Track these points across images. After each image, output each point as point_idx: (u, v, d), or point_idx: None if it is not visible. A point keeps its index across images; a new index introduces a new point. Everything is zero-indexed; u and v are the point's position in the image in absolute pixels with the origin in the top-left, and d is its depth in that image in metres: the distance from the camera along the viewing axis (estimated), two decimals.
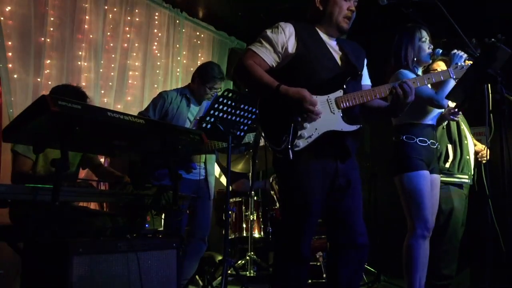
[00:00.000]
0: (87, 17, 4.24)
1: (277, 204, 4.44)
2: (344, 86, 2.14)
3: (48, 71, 3.93)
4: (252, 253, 4.24)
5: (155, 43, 4.96)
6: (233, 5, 5.16)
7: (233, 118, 3.14)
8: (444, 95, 2.78)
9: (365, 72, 2.38)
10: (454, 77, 2.46)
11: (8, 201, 2.00)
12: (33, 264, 1.93)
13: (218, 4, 5.23)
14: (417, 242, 2.84)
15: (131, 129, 2.14)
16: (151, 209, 2.39)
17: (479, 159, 3.58)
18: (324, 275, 3.84)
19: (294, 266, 2.14)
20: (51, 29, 3.97)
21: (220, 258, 4.31)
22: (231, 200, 4.46)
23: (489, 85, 2.19)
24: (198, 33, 5.50)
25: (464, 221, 3.54)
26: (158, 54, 4.98)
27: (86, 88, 3.26)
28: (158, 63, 4.98)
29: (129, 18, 4.64)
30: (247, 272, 4.20)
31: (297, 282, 2.15)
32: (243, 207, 4.45)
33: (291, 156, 2.03)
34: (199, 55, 5.50)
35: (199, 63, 4.02)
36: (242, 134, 3.28)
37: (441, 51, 2.94)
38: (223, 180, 5.41)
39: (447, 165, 3.44)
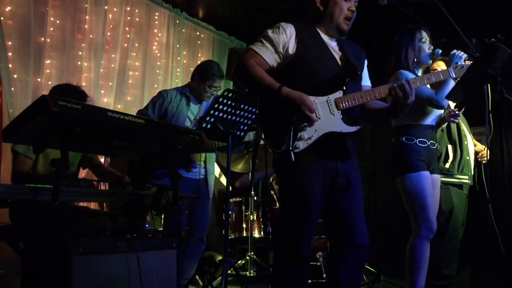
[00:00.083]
0: (87, 17, 4.24)
1: (277, 204, 4.44)
2: (344, 87, 2.14)
3: (48, 71, 3.93)
4: (252, 253, 4.24)
5: (155, 43, 4.96)
6: (233, 5, 5.16)
7: (233, 118, 3.14)
8: (444, 95, 2.78)
9: (365, 73, 2.38)
10: (454, 76, 2.46)
11: (8, 201, 2.00)
12: (33, 264, 1.93)
13: (218, 4, 5.23)
14: (422, 243, 2.84)
15: (131, 129, 2.14)
16: (151, 209, 2.39)
17: (479, 159, 3.57)
18: (324, 275, 3.84)
19: (294, 266, 2.15)
20: (51, 29, 3.97)
21: (220, 258, 4.31)
22: (231, 200, 4.46)
23: (489, 85, 2.19)
24: (198, 33, 5.50)
25: (464, 221, 3.54)
26: (158, 54, 4.98)
27: (86, 88, 3.26)
28: (158, 63, 4.98)
29: (129, 18, 4.64)
30: (247, 272, 4.20)
31: (297, 282, 2.15)
32: (243, 207, 4.45)
33: (292, 158, 2.03)
34: (199, 55, 5.50)
35: (199, 63, 4.01)
36: (242, 134, 3.28)
37: (440, 51, 2.94)
38: (223, 180, 5.41)
39: (447, 165, 3.44)
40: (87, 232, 2.14)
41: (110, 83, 4.44)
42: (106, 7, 4.39)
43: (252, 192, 4.40)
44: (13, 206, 2.50)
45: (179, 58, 5.17)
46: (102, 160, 3.80)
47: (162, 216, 3.11)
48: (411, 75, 2.89)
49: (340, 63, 2.23)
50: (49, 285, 1.86)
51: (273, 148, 2.08)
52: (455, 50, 2.80)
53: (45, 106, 1.81)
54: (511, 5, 4.34)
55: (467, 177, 3.49)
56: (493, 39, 2.12)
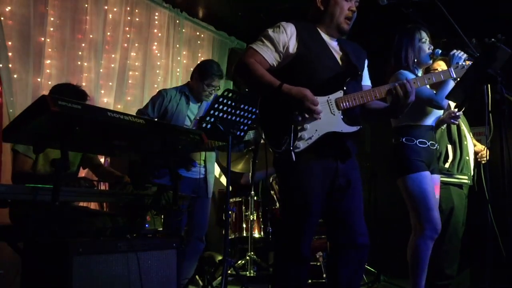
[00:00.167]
0: (87, 17, 4.24)
1: (277, 204, 4.44)
2: (344, 87, 2.14)
3: (48, 71, 3.93)
4: (252, 253, 4.24)
5: (155, 43, 4.96)
6: (233, 5, 5.16)
7: (233, 118, 3.14)
8: (444, 96, 2.78)
9: (365, 73, 2.38)
10: (455, 76, 2.46)
11: (8, 201, 2.00)
12: (33, 264, 1.93)
13: (218, 4, 5.23)
14: (426, 243, 2.85)
15: (131, 129, 2.14)
16: (151, 209, 2.39)
17: (479, 160, 3.58)
18: (324, 275, 3.84)
19: (294, 266, 2.15)
20: (51, 29, 3.97)
21: (220, 258, 4.31)
22: (231, 200, 4.46)
23: (489, 85, 2.19)
24: (198, 33, 5.50)
25: (464, 221, 3.54)
26: (158, 54, 4.98)
27: (86, 88, 3.25)
28: (158, 63, 4.98)
29: (129, 18, 4.64)
30: (247, 272, 4.20)
31: (297, 282, 2.15)
32: (243, 207, 4.45)
33: (293, 157, 2.03)
34: (199, 55, 5.50)
35: (198, 63, 4.01)
36: (242, 134, 3.28)
37: (440, 51, 2.94)
38: (223, 179, 5.41)
39: (447, 165, 3.44)
40: (87, 232, 2.14)
41: (110, 83, 4.44)
42: (106, 7, 4.39)
43: (252, 192, 4.40)
44: (13, 206, 2.50)
45: (179, 58, 5.17)
46: (102, 160, 3.80)
47: (162, 216, 3.11)
48: (411, 75, 2.89)
49: (340, 63, 2.23)
50: (49, 285, 1.86)
51: (273, 147, 2.09)
52: (455, 50, 2.81)
53: (45, 106, 1.81)
54: (511, 5, 4.34)
55: (466, 177, 3.49)
56: (493, 39, 2.12)
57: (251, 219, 4.34)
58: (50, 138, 2.05)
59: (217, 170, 5.16)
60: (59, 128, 1.95)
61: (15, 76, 3.67)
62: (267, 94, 2.13)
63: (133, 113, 3.54)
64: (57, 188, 1.91)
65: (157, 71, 4.95)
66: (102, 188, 2.76)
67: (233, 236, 4.40)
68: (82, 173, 3.45)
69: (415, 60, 2.99)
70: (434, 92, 2.90)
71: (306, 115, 2.06)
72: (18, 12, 3.72)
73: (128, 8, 4.62)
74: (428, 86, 2.88)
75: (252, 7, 5.10)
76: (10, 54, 3.64)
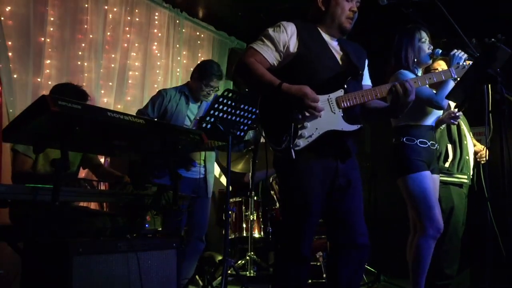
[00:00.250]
0: (87, 17, 4.24)
1: (277, 204, 4.44)
2: (345, 86, 2.14)
3: (48, 71, 3.93)
4: (252, 253, 4.24)
5: (155, 43, 4.96)
6: (233, 5, 5.16)
7: (233, 118, 3.14)
8: (444, 96, 2.78)
9: (366, 73, 2.38)
10: (456, 76, 2.46)
11: (8, 201, 2.00)
12: (33, 264, 1.93)
13: (218, 4, 5.23)
14: (428, 242, 2.85)
15: (131, 129, 2.14)
16: (151, 209, 2.39)
17: (478, 160, 3.58)
18: (324, 275, 3.84)
19: (294, 266, 2.15)
20: (51, 29, 3.97)
21: (220, 258, 4.31)
22: (231, 200, 4.46)
23: (489, 85, 2.19)
24: (198, 33, 5.50)
25: (464, 220, 3.54)
26: (158, 54, 4.98)
27: (86, 88, 3.24)
28: (158, 63, 4.98)
29: (129, 18, 4.64)
30: (247, 272, 4.20)
31: (297, 282, 2.15)
32: (243, 207, 4.45)
33: (293, 155, 2.03)
34: (199, 55, 5.50)
35: (198, 63, 4.01)
36: (242, 134, 3.28)
37: (440, 51, 2.94)
38: (223, 179, 5.41)
39: (447, 164, 3.44)
40: (87, 232, 2.14)
41: (110, 83, 4.44)
42: (106, 7, 4.39)
43: (252, 192, 4.40)
44: (13, 206, 2.50)
45: (179, 58, 5.17)
46: (102, 160, 3.80)
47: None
48: (411, 75, 2.89)
49: (341, 63, 2.24)
50: (49, 285, 1.86)
51: (273, 146, 2.08)
52: (455, 50, 2.81)
53: (45, 106, 1.81)
54: (511, 5, 4.34)
55: (466, 177, 3.49)
56: (493, 39, 2.12)
57: (251, 219, 4.34)
58: (50, 138, 2.05)
59: (217, 170, 5.16)
60: (59, 128, 1.95)
61: (15, 76, 3.66)
62: (267, 93, 2.13)
63: (133, 113, 3.54)
64: (57, 188, 1.91)
65: (157, 71, 4.95)
66: (102, 188, 2.76)
67: (233, 236, 4.40)
68: (82, 173, 3.45)
69: (415, 60, 2.99)
70: (434, 92, 2.90)
71: (307, 113, 2.06)
72: (18, 12, 3.72)
73: (128, 8, 4.62)
74: (428, 86, 2.88)
75: (252, 7, 5.10)
76: (10, 54, 3.64)
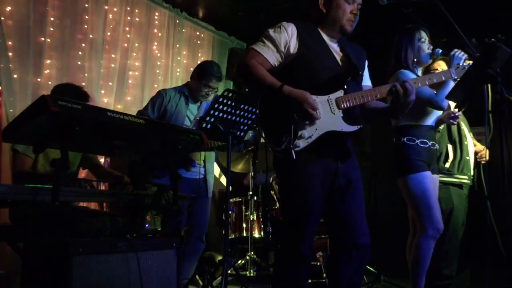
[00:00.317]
0: (87, 17, 4.24)
1: (277, 204, 4.44)
2: (345, 86, 2.14)
3: (48, 71, 3.93)
4: (252, 253, 4.24)
5: (155, 43, 4.96)
6: (233, 5, 5.16)
7: (233, 118, 3.14)
8: (444, 96, 2.78)
9: (366, 73, 2.38)
10: (456, 77, 2.46)
11: (8, 201, 2.00)
12: (33, 264, 1.93)
13: (218, 4, 5.23)
14: (428, 243, 2.85)
15: (131, 129, 2.14)
16: (151, 209, 2.39)
17: (478, 160, 3.58)
18: (324, 275, 3.84)
19: (294, 266, 2.15)
20: (51, 29, 3.97)
21: (220, 258, 4.31)
22: (231, 200, 4.46)
23: (489, 85, 2.19)
24: (198, 33, 5.50)
25: (464, 221, 3.54)
26: (158, 54, 4.98)
27: (86, 88, 3.25)
28: (158, 63, 4.98)
29: (129, 18, 4.64)
30: (247, 272, 4.20)
31: (297, 282, 2.15)
32: (243, 207, 4.45)
33: (293, 156, 2.03)
34: (199, 55, 5.50)
35: (199, 63, 4.02)
36: (242, 134, 3.28)
37: (440, 51, 2.94)
38: (223, 180, 5.42)
39: (447, 165, 3.44)
40: (87, 232, 2.14)
41: (110, 83, 4.44)
42: (106, 7, 4.39)
43: (252, 192, 4.41)
44: (13, 206, 2.50)
45: (179, 58, 5.17)
46: (102, 160, 3.80)
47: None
48: (411, 75, 2.89)
49: (341, 63, 2.24)
50: (49, 285, 1.86)
51: (273, 146, 2.09)
52: (455, 50, 2.80)
53: (45, 106, 1.81)
54: (511, 5, 4.34)
55: (466, 177, 3.49)
56: (493, 39, 2.12)
57: (251, 219, 4.34)
58: (50, 138, 2.05)
59: (217, 170, 5.16)
60: (59, 128, 1.95)
61: (15, 76, 3.66)
62: (268, 95, 2.13)
63: (133, 113, 3.54)
64: (57, 188, 1.91)
65: (157, 71, 4.95)
66: (102, 188, 2.76)
67: (233, 236, 4.40)
68: (82, 173, 3.45)
69: (415, 59, 2.99)
70: (435, 92, 2.90)
71: (305, 119, 2.06)
72: (18, 12, 3.72)
73: (128, 8, 4.62)
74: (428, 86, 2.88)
75: (252, 7, 5.10)
76: (10, 54, 3.64)
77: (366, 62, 2.40)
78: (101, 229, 2.25)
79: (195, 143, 2.46)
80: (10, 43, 3.65)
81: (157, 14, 4.96)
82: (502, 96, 2.03)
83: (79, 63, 4.17)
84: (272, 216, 4.40)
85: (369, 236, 2.19)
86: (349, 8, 2.22)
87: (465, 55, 2.75)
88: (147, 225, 2.35)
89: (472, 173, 3.53)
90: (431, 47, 2.99)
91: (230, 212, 4.41)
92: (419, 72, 3.05)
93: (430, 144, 2.94)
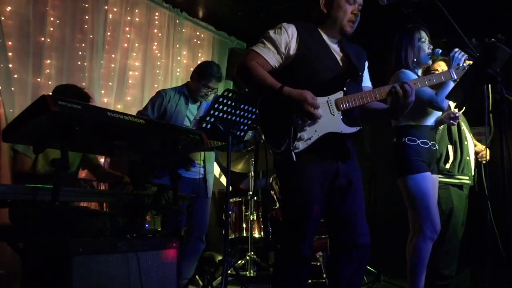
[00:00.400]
0: (87, 17, 4.24)
1: (277, 204, 4.44)
2: (345, 88, 2.14)
3: (48, 71, 3.93)
4: (252, 253, 4.24)
5: (155, 43, 4.96)
6: (233, 5, 5.16)
7: (233, 118, 3.14)
8: (444, 97, 2.78)
9: (366, 74, 2.38)
10: (456, 78, 2.46)
11: (8, 201, 2.00)
12: (33, 264, 1.93)
13: (218, 4, 5.23)
14: (425, 243, 2.85)
15: (131, 129, 2.14)
16: (151, 209, 2.39)
17: (479, 160, 3.57)
18: (324, 275, 3.84)
19: (294, 266, 2.15)
20: (51, 29, 3.97)
21: (220, 258, 4.31)
22: (231, 200, 4.46)
23: (489, 85, 2.19)
24: (198, 33, 5.50)
25: (464, 221, 3.54)
26: (158, 54, 4.98)
27: (86, 88, 3.25)
28: (158, 63, 4.98)
29: (129, 18, 4.64)
30: (247, 272, 4.20)
31: (297, 282, 2.15)
32: (243, 207, 4.45)
33: (294, 158, 2.03)
34: (199, 55, 5.50)
35: (199, 63, 4.02)
36: (242, 134, 3.28)
37: (440, 51, 2.94)
38: (223, 180, 5.42)
39: (447, 166, 3.44)
40: (87, 232, 2.14)
41: (110, 83, 4.44)
42: (106, 7, 4.39)
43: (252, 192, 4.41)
44: (13, 206, 2.50)
45: (179, 58, 5.17)
46: (102, 160, 3.80)
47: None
48: (412, 75, 2.89)
49: (341, 64, 2.24)
50: (49, 285, 1.86)
51: (273, 148, 2.09)
52: (454, 51, 2.79)
53: (45, 106, 1.81)
54: (511, 5, 4.34)
55: (467, 178, 3.49)
56: (493, 39, 2.11)
57: (251, 219, 4.34)
58: (50, 138, 2.05)
59: (217, 170, 5.16)
60: (59, 128, 1.95)
61: (15, 76, 3.67)
62: (268, 95, 2.13)
63: (133, 113, 3.54)
64: (57, 188, 1.91)
65: (157, 71, 4.95)
66: (102, 188, 2.76)
67: (233, 236, 4.40)
68: (82, 173, 3.45)
69: (415, 59, 2.99)
70: (435, 93, 2.90)
71: (306, 119, 2.06)
72: (18, 12, 3.72)
73: (128, 8, 4.62)
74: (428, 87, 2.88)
75: (252, 7, 5.10)
76: (10, 54, 3.64)
77: (366, 63, 2.39)
78: (101, 229, 2.25)
79: (195, 143, 2.46)
80: (10, 43, 3.65)
81: (157, 14, 4.96)
82: (502, 96, 2.03)
83: (79, 63, 4.17)
84: (272, 216, 4.41)
85: (369, 236, 2.19)
86: (350, 9, 2.22)
87: (465, 56, 2.74)
88: (147, 225, 2.35)
89: (472, 173, 3.52)
90: (431, 47, 2.99)
91: (230, 212, 4.41)
92: (419, 72, 3.05)
93: (430, 144, 2.94)
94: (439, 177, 3.18)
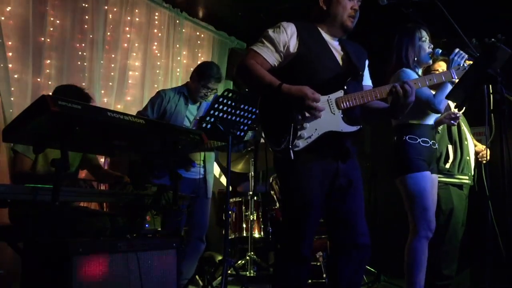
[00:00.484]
0: (87, 17, 4.24)
1: (277, 204, 4.44)
2: (345, 87, 2.14)
3: (48, 71, 3.93)
4: (252, 253, 4.24)
5: (155, 43, 4.96)
6: (233, 5, 5.16)
7: (233, 118, 3.14)
8: (441, 99, 2.80)
9: (366, 73, 2.38)
10: (456, 78, 2.46)
11: (8, 201, 2.00)
12: (33, 264, 1.93)
13: (218, 4, 5.23)
14: (421, 243, 2.84)
15: (131, 129, 2.14)
16: (151, 209, 2.39)
17: (479, 160, 3.57)
18: (324, 275, 3.84)
19: (294, 266, 2.15)
20: (51, 29, 3.97)
21: (220, 258, 4.32)
22: (231, 200, 4.46)
23: (489, 85, 2.19)
24: (198, 33, 5.50)
25: (464, 221, 3.54)
26: (158, 54, 4.98)
27: (86, 88, 3.25)
28: (158, 63, 4.98)
29: (129, 18, 4.64)
30: (247, 272, 4.20)
31: (297, 282, 2.15)
32: (243, 207, 4.45)
33: (292, 156, 2.03)
34: (199, 55, 5.50)
35: (199, 63, 4.01)
36: (242, 134, 3.28)
37: (440, 51, 2.94)
38: (223, 180, 5.42)
39: (447, 165, 3.43)
40: (87, 232, 2.14)
41: (110, 83, 4.44)
42: (106, 7, 4.39)
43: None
44: (13, 206, 2.50)
45: (179, 58, 5.16)
46: (102, 160, 3.80)
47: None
48: (413, 74, 2.89)
49: (341, 63, 2.24)
50: (49, 285, 1.86)
51: (273, 146, 2.09)
52: (454, 53, 2.78)
53: (45, 106, 1.81)
54: (511, 5, 4.34)
55: (467, 178, 3.48)
56: (493, 39, 2.12)
57: (251, 219, 4.34)
58: (50, 138, 2.05)
59: (217, 170, 5.16)
60: (59, 128, 1.95)
61: (15, 76, 3.67)
62: (268, 94, 2.13)
63: (133, 113, 3.54)
64: (57, 188, 1.91)
65: (157, 71, 4.95)
66: (102, 188, 2.76)
67: (233, 236, 4.40)
68: (82, 173, 3.45)
69: (416, 58, 2.98)
70: (433, 94, 2.89)
71: (307, 114, 2.06)
72: (18, 12, 3.72)
73: (128, 8, 4.62)
74: (428, 88, 2.88)
75: (252, 7, 5.10)
76: (10, 54, 3.64)
77: (367, 62, 2.39)
78: (101, 229, 2.25)
79: (195, 143, 2.46)
80: (10, 43, 3.65)
81: (157, 14, 4.96)
82: (502, 96, 2.03)
83: (79, 63, 4.17)
84: (272, 216, 4.40)
85: (369, 236, 2.19)
86: (350, 4, 2.23)
87: (465, 57, 2.74)
88: (147, 225, 2.35)
89: (472, 173, 3.52)
90: (432, 46, 2.99)
91: (230, 212, 4.41)
92: (420, 72, 3.05)
93: (431, 143, 2.94)
94: (439, 177, 3.18)
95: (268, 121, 2.14)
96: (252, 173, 4.52)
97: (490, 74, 2.05)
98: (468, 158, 3.49)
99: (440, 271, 3.37)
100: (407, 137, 2.92)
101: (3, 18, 3.61)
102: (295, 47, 2.17)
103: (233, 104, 3.07)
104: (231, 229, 4.40)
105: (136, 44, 4.74)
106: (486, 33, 2.21)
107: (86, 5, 4.24)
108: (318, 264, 3.94)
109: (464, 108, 3.28)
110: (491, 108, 2.10)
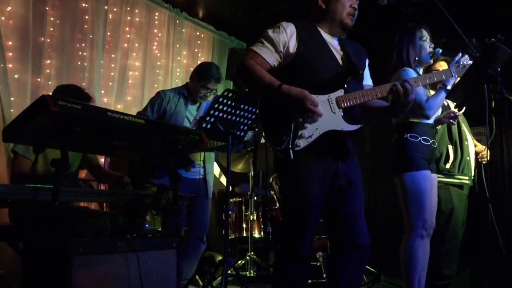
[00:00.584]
0: (87, 17, 4.24)
1: (277, 204, 4.44)
2: (345, 86, 2.14)
3: (48, 71, 3.93)
4: (252, 253, 4.24)
5: (155, 43, 4.96)
6: (233, 5, 5.16)
7: (233, 118, 3.14)
8: (432, 105, 2.81)
9: (366, 72, 2.38)
10: (456, 75, 2.46)
11: (8, 201, 2.00)
12: (33, 264, 1.93)
13: (218, 4, 5.23)
14: (416, 242, 2.83)
15: (131, 129, 2.14)
16: (151, 209, 2.39)
17: (480, 160, 3.57)
18: (324, 275, 3.84)
19: (294, 266, 2.15)
20: (51, 29, 3.97)
21: (220, 258, 4.31)
22: (231, 200, 4.46)
23: (489, 85, 2.19)
24: (198, 33, 5.50)
25: (464, 221, 3.53)
26: (158, 54, 4.98)
27: (86, 88, 3.26)
28: (158, 63, 4.98)
29: (129, 18, 4.64)
30: (247, 272, 4.20)
31: (297, 282, 2.15)
32: (243, 207, 4.45)
33: (291, 156, 2.03)
34: (199, 55, 5.50)
35: (199, 63, 4.01)
36: (242, 134, 3.28)
37: (441, 50, 2.93)
38: (223, 180, 5.41)
39: (448, 166, 3.43)
40: (87, 232, 2.14)
41: (110, 83, 4.44)
42: (106, 7, 4.39)
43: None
44: (13, 206, 2.50)
45: (179, 58, 5.17)
46: (102, 160, 3.80)
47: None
48: (414, 73, 2.89)
49: (341, 62, 2.24)
50: (49, 285, 1.86)
51: (273, 146, 2.09)
52: (459, 55, 2.77)
53: (45, 106, 1.81)
54: (511, 5, 4.34)
55: (467, 178, 3.48)
56: (493, 39, 2.11)
57: (251, 219, 4.33)
58: (50, 138, 2.05)
59: (217, 170, 5.16)
60: (59, 128, 1.95)
61: (15, 76, 3.67)
62: (268, 95, 2.13)
63: (133, 113, 3.54)
64: (57, 188, 1.91)
65: (157, 71, 4.95)
66: (102, 188, 2.76)
67: (233, 236, 4.40)
68: (82, 173, 3.45)
69: (416, 58, 2.98)
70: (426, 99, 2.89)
71: (306, 117, 2.06)
72: (18, 12, 3.72)
73: (128, 8, 4.62)
74: (425, 90, 2.89)
75: (252, 7, 5.10)
76: (9, 54, 3.64)
77: (367, 61, 2.39)
78: (101, 229, 2.25)
79: (195, 143, 2.46)
80: (10, 43, 3.66)
81: (157, 14, 4.96)
82: (502, 96, 2.03)
83: (79, 63, 4.17)
84: (272, 216, 4.40)
85: (369, 236, 2.19)
86: (349, 3, 2.23)
87: (468, 62, 2.73)
88: (147, 225, 2.35)
89: (472, 173, 3.52)
90: (433, 45, 2.99)
91: (230, 212, 4.41)
92: (421, 71, 3.04)
93: (431, 142, 2.94)
94: (439, 177, 3.18)
95: (268, 121, 2.14)
96: (252, 173, 4.52)
97: (490, 74, 2.05)
98: (468, 158, 3.49)
99: (440, 271, 3.37)
100: (408, 135, 2.91)
101: (3, 18, 3.61)
102: (295, 47, 2.17)
103: (233, 104, 3.07)
104: (231, 229, 4.40)
105: (136, 44, 4.74)
106: (486, 33, 2.21)
107: (86, 5, 4.24)
108: (318, 264, 3.94)
109: (464, 108, 3.28)
110: (491, 108, 2.10)
